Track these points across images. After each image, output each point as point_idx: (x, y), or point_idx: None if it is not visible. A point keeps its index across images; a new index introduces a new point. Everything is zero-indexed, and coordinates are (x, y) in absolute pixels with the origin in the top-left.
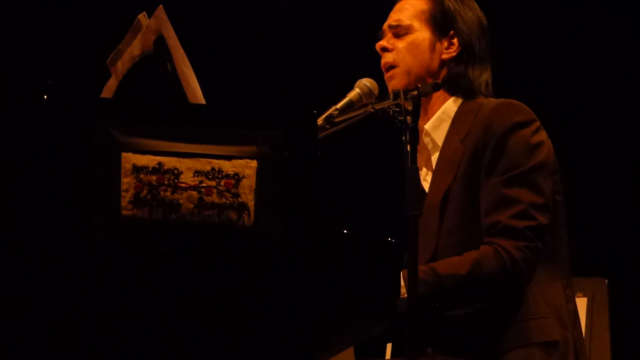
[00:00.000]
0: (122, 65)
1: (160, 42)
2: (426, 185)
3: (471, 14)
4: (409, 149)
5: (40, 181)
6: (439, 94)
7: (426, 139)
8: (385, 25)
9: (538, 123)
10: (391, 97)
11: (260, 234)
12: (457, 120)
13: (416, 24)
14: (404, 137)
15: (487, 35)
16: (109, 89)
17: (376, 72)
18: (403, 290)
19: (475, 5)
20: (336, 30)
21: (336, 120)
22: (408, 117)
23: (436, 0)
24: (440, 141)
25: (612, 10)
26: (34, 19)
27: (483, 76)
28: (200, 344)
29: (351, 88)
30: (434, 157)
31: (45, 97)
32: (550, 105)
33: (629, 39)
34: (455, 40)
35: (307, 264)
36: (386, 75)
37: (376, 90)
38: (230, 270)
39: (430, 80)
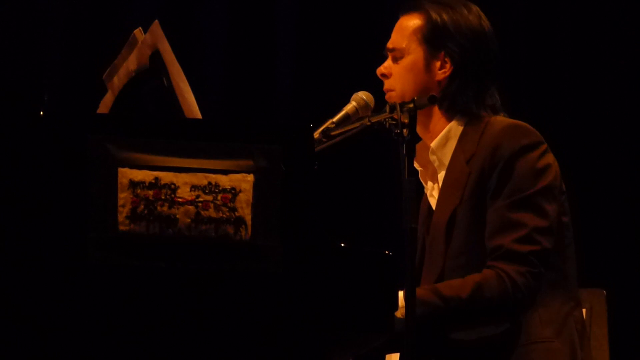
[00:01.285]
0: (118, 81)
1: (156, 56)
2: (432, 201)
3: (465, 27)
4: (406, 161)
5: (36, 196)
6: (440, 114)
7: (432, 157)
8: (385, 47)
9: (545, 145)
10: (387, 110)
11: (258, 248)
12: (464, 139)
13: (411, 45)
14: (400, 150)
15: (489, 43)
16: (105, 104)
17: (372, 84)
18: (402, 311)
19: (473, 12)
20: (333, 43)
21: (333, 133)
22: (404, 130)
23: (428, 18)
24: (446, 160)
25: (610, 14)
26: (30, 34)
27: (481, 93)
28: (197, 358)
29: (347, 101)
30: (441, 175)
31: (41, 112)
32: (547, 116)
33: (631, 46)
34: (447, 59)
35: (305, 278)
36: (385, 97)
37: (372, 103)
38: (228, 284)
39: None
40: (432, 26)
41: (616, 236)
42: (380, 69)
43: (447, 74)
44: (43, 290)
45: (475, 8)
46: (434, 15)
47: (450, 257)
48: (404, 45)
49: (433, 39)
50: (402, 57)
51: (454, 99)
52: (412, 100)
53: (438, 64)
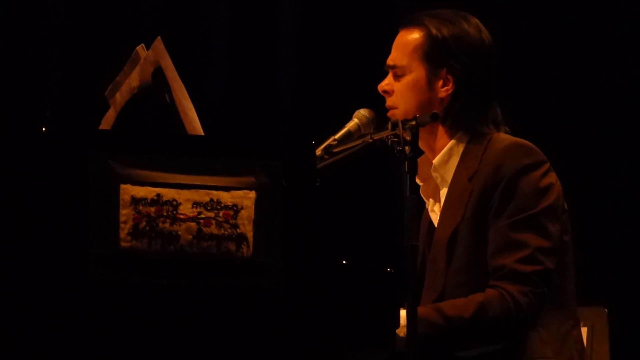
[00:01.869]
0: (120, 97)
1: (158, 73)
2: (434, 217)
3: (466, 43)
4: (407, 178)
5: (38, 213)
6: (443, 131)
7: (435, 174)
8: (386, 63)
9: (548, 164)
10: (390, 127)
11: (259, 265)
12: (466, 155)
13: (412, 63)
14: (402, 167)
15: (490, 58)
16: (107, 121)
17: (375, 101)
18: (404, 330)
19: (473, 25)
20: (334, 59)
21: (335, 150)
22: (406, 147)
23: (428, 35)
24: (448, 176)
25: (614, 21)
26: (33, 51)
27: (484, 110)
28: None
29: (350, 118)
30: (443, 192)
31: (43, 129)
32: (547, 130)
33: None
34: (449, 77)
35: (306, 295)
36: (388, 114)
37: (374, 121)
38: (229, 301)
39: None
40: (432, 43)
41: (618, 254)
42: (382, 86)
43: (450, 91)
44: (45, 306)
45: (474, 21)
46: (434, 32)
47: (451, 274)
48: (404, 63)
49: (434, 57)
50: (403, 75)
51: (456, 117)
52: (414, 118)
53: (440, 82)
